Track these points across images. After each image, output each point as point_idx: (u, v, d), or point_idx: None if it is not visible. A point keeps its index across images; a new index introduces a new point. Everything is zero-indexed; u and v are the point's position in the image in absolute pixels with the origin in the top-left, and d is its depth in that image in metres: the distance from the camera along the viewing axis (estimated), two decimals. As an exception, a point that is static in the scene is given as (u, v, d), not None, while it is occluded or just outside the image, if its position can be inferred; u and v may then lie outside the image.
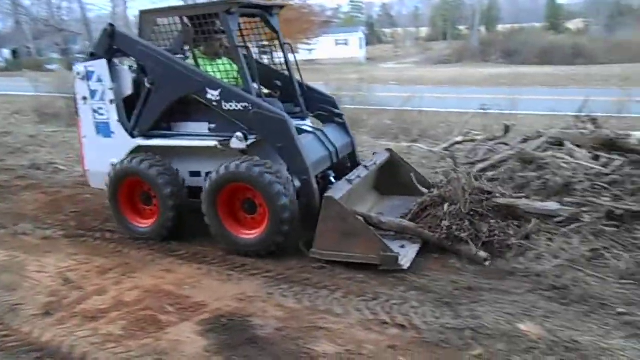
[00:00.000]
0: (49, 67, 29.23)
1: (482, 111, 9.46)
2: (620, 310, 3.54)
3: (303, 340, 3.38)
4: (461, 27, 62.93)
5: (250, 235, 4.72)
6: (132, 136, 5.20)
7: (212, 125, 5.01)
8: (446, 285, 4.03)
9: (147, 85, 5.04)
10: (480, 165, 6.55)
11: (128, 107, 5.26)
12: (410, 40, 66.70)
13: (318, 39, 42.16)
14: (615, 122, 7.81)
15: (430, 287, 4.00)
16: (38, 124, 12.59)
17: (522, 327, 3.40)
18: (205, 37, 5.08)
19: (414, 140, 9.39)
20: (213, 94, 4.78)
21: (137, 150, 5.16)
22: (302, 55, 45.90)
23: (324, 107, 5.77)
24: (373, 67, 39.18)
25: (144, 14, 5.32)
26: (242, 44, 5.18)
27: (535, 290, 3.85)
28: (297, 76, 5.72)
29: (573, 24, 57.08)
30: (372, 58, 51.68)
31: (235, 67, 5.20)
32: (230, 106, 4.75)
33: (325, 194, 4.41)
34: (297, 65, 5.74)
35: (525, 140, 6.91)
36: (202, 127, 5.08)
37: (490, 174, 6.19)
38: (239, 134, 4.70)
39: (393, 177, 5.70)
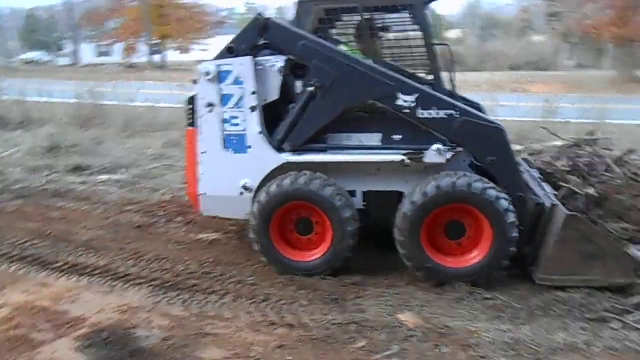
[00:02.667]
0: None
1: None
2: (487, 295, 3.90)
3: (190, 349, 3.31)
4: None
5: (463, 263, 4.04)
6: (279, 151, 4.35)
7: (396, 136, 4.27)
8: (335, 282, 4.17)
9: (310, 89, 4.21)
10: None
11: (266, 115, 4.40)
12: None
13: (212, 40, 41.49)
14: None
15: (319, 286, 4.11)
16: None
17: (401, 317, 3.62)
18: (372, 33, 4.54)
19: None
20: (407, 100, 4.06)
21: (283, 168, 4.28)
22: (196, 55, 45.00)
23: None
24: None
25: (302, 3, 4.58)
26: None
27: (414, 284, 4.11)
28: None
29: (453, 34, 61.60)
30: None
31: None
32: (429, 114, 4.06)
33: (567, 213, 3.83)
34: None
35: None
36: (373, 138, 4.33)
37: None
38: (438, 145, 4.06)
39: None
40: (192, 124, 4.45)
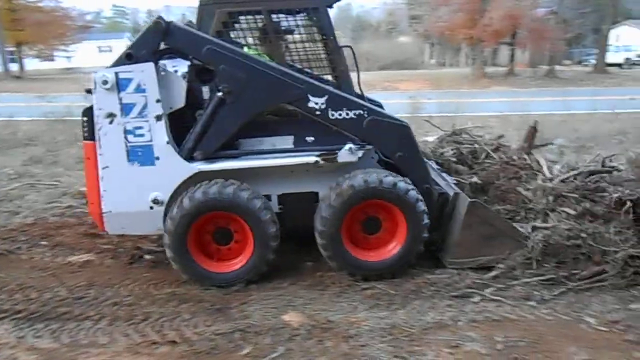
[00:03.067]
0: None
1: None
2: (364, 286, 4.10)
3: (61, 382, 3.06)
4: (231, 36, 64.45)
5: (383, 255, 4.19)
6: (190, 160, 4.06)
7: (308, 138, 4.25)
8: (218, 291, 4.11)
9: (219, 95, 4.02)
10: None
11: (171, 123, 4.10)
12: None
13: (78, 45, 38.58)
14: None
15: (202, 297, 4.03)
16: None
17: (286, 317, 3.67)
18: (278, 36, 4.37)
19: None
20: (317, 102, 4.08)
21: (194, 178, 4.06)
22: (60, 62, 41.51)
23: None
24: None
25: (203, 5, 4.32)
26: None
27: (297, 283, 4.20)
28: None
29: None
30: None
31: None
32: (340, 115, 4.11)
33: (469, 199, 4.13)
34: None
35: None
36: (286, 141, 4.29)
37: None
38: (350, 145, 4.09)
39: None
40: (90, 137, 4.11)
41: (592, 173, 4.97)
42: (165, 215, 4.10)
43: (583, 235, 4.17)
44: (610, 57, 31.89)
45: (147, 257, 4.82)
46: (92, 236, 5.28)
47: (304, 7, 4.31)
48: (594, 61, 31.71)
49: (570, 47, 38.82)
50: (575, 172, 5.01)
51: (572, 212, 4.43)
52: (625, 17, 41.12)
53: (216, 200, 3.96)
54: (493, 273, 4.11)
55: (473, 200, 4.20)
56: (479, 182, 5.10)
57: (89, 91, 4.12)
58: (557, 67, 29.89)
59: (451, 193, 4.41)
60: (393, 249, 4.21)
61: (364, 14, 61.28)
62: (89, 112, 4.09)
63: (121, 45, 48.00)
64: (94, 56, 44.24)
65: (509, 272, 4.11)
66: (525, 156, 5.58)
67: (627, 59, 32.45)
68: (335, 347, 3.31)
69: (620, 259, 3.98)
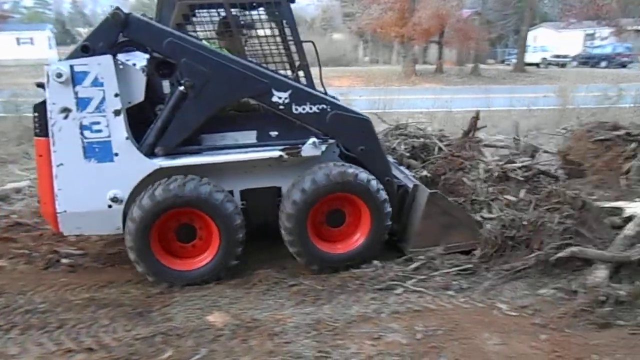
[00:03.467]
0: None
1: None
2: (292, 282, 4.12)
3: (-38, 400, 2.85)
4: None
5: (350, 246, 4.34)
6: (150, 156, 3.89)
7: (272, 133, 4.26)
8: (139, 294, 3.98)
9: (181, 89, 3.90)
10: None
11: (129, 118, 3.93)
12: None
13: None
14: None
15: (121, 301, 3.88)
16: None
17: (210, 318, 3.61)
18: (238, 30, 4.35)
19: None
20: (281, 97, 4.07)
21: (155, 174, 3.92)
22: (-28, 55, 38.44)
23: None
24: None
25: None
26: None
27: (223, 282, 4.14)
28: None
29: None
30: (66, 59, 46.72)
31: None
32: (303, 109, 4.12)
33: (429, 191, 4.35)
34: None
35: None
36: (248, 136, 4.26)
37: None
38: (314, 139, 4.13)
39: None
40: (42, 133, 3.89)
41: (527, 168, 5.31)
42: (125, 213, 3.97)
43: (525, 223, 4.39)
44: (529, 57, 33.85)
45: (64, 261, 4.59)
46: (5, 240, 4.96)
47: (266, 1, 4.28)
48: (514, 60, 33.52)
49: (494, 47, 40.88)
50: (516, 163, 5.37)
51: (513, 199, 4.73)
52: (542, 19, 43.78)
53: (177, 196, 3.88)
54: (414, 265, 4.25)
55: (433, 191, 4.40)
56: (429, 175, 5.31)
57: (40, 85, 3.93)
58: (482, 66, 31.34)
59: (410, 185, 4.59)
60: (358, 239, 4.34)
61: (298, 10, 61.21)
62: (40, 107, 3.89)
63: (43, 37, 45.38)
64: (13, 49, 41.46)
65: (429, 263, 4.28)
66: (468, 147, 5.88)
67: (544, 59, 34.58)
68: (259, 345, 3.29)
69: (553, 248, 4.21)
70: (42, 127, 3.90)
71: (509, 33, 40.00)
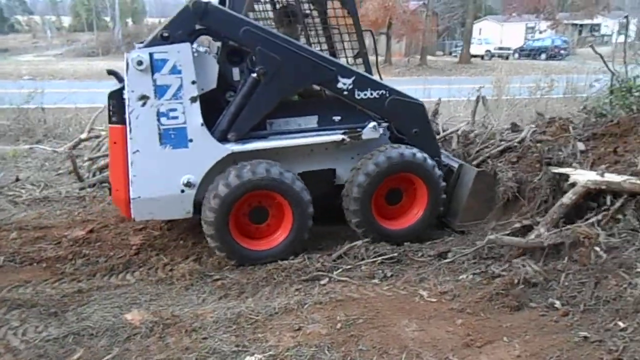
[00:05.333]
0: None
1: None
2: (216, 276, 4.05)
3: None
4: (107, 18, 60.07)
5: (408, 222, 4.66)
6: (223, 141, 4.04)
7: (335, 117, 4.48)
8: (54, 294, 3.81)
9: (254, 76, 4.07)
10: (105, 161, 6.45)
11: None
12: (51, 31, 59.86)
13: None
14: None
15: (35, 301, 3.69)
16: None
17: (128, 316, 3.50)
18: (298, 18, 4.54)
19: (39, 140, 8.53)
20: (345, 83, 4.31)
21: (226, 159, 4.08)
22: None
23: None
24: (5, 59, 33.78)
25: None
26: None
27: (144, 279, 4.03)
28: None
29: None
30: (5, 49, 44.40)
31: None
32: (365, 95, 4.39)
33: (476, 169, 4.75)
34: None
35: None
36: (310, 121, 4.46)
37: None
38: (374, 123, 4.44)
39: None
40: (118, 121, 3.98)
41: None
42: (196, 198, 4.10)
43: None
44: (474, 49, 34.74)
45: (-24, 261, 4.34)
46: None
47: None
48: (461, 52, 34.35)
49: (442, 39, 41.71)
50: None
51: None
52: (487, 12, 45.05)
53: (265, 179, 4.05)
54: (335, 255, 4.28)
55: (481, 169, 4.81)
56: None
57: (111, 72, 4.12)
58: (430, 58, 31.97)
59: (455, 165, 5.00)
60: (417, 214, 4.67)
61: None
62: (116, 94, 3.98)
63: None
64: None
65: (355, 253, 4.31)
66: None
67: (488, 51, 35.60)
68: (176, 342, 3.21)
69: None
70: (118, 114, 3.99)
71: (455, 26, 40.91)
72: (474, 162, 5.27)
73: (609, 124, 5.34)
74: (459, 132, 6.21)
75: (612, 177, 4.33)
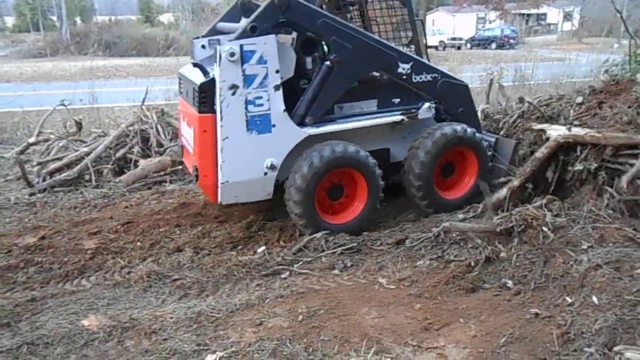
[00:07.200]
0: None
1: (62, 107, 8.97)
2: (175, 277, 4.01)
3: None
4: (54, 17, 57.77)
5: (461, 191, 5.13)
6: (302, 125, 4.41)
7: (394, 100, 4.92)
8: (6, 305, 3.67)
9: (327, 64, 4.42)
10: (55, 165, 6.25)
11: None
12: (-7, 31, 57.10)
13: None
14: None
15: (-15, 313, 3.56)
16: None
17: (84, 322, 3.42)
18: (349, 9, 5.06)
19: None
20: (404, 67, 4.69)
21: (305, 141, 4.43)
22: None
23: None
24: (-60, 61, 31.94)
25: None
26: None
27: (101, 283, 3.94)
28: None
29: (164, 18, 60.58)
30: (-57, 52, 42.08)
31: None
32: (421, 78, 4.78)
33: (514, 141, 5.21)
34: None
35: (103, 136, 6.96)
36: (371, 104, 4.89)
37: (65, 174, 6.02)
38: (428, 103, 4.87)
39: None
40: (208, 110, 4.21)
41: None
42: (277, 180, 4.45)
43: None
44: (429, 40, 35.28)
45: None
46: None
47: None
48: (415, 43, 34.76)
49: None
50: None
51: None
52: (439, 4, 45.84)
53: (344, 157, 4.42)
54: (295, 248, 4.32)
55: (517, 141, 5.22)
56: None
57: (197, 65, 4.47)
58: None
59: (492, 139, 5.37)
60: (469, 182, 5.12)
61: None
62: (207, 85, 4.18)
63: None
64: None
65: (317, 245, 4.35)
66: None
67: (441, 41, 36.16)
68: (136, 345, 3.17)
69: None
70: (208, 104, 4.19)
71: (418, 13, 41.37)
72: (501, 134, 5.69)
73: (610, 83, 5.71)
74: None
75: (577, 131, 4.75)
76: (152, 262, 4.26)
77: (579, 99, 5.42)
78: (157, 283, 3.92)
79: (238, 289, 3.83)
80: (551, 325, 3.18)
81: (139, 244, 4.60)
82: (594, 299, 3.25)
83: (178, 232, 4.85)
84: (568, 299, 3.38)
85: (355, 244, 4.36)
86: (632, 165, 4.22)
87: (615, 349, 2.74)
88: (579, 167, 4.53)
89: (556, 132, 4.84)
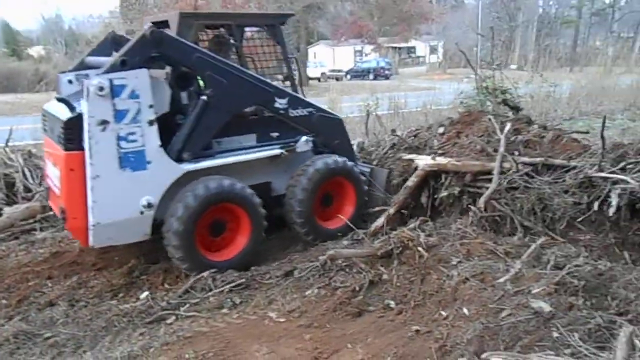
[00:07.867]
0: None
1: None
2: (47, 334, 3.67)
3: None
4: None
5: (336, 225, 5.27)
6: (179, 161, 4.26)
7: (272, 134, 5.03)
8: None
9: (203, 98, 4.41)
10: None
11: None
12: None
13: None
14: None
15: None
16: None
17: None
18: (230, 47, 5.08)
19: None
20: (281, 103, 4.84)
21: (183, 177, 4.32)
22: None
23: None
24: None
25: (184, 17, 4.69)
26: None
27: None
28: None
29: (34, 51, 56.25)
30: None
31: None
32: (297, 112, 4.98)
33: (385, 170, 5.70)
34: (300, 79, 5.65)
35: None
36: (250, 139, 4.97)
37: None
38: (306, 137, 5.06)
39: None
40: (76, 147, 3.95)
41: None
42: (155, 220, 4.26)
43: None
44: (311, 72, 36.55)
45: None
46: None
47: (264, 24, 5.35)
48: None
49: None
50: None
51: None
52: (320, 37, 47.89)
53: (226, 193, 4.42)
54: (185, 286, 4.20)
55: (389, 169, 5.63)
56: None
57: (61, 100, 4.15)
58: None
59: (366, 169, 5.75)
60: (348, 210, 5.38)
61: (78, 26, 56.05)
62: (74, 121, 3.95)
63: None
64: None
65: (204, 284, 4.25)
66: None
67: (323, 73, 37.69)
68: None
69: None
70: (75, 141, 3.95)
71: (292, 50, 42.74)
72: (375, 164, 6.10)
73: (465, 114, 6.37)
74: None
75: (440, 160, 5.28)
76: (20, 321, 3.87)
77: (441, 130, 6.02)
78: (27, 343, 3.56)
79: (119, 340, 3.60)
80: (430, 340, 3.40)
81: (4, 301, 4.16)
82: (465, 310, 3.55)
83: (50, 284, 4.47)
84: (443, 313, 3.65)
85: (243, 280, 4.33)
86: (487, 188, 4.78)
87: (483, 356, 3.00)
88: (444, 193, 5.00)
89: (423, 161, 5.34)
